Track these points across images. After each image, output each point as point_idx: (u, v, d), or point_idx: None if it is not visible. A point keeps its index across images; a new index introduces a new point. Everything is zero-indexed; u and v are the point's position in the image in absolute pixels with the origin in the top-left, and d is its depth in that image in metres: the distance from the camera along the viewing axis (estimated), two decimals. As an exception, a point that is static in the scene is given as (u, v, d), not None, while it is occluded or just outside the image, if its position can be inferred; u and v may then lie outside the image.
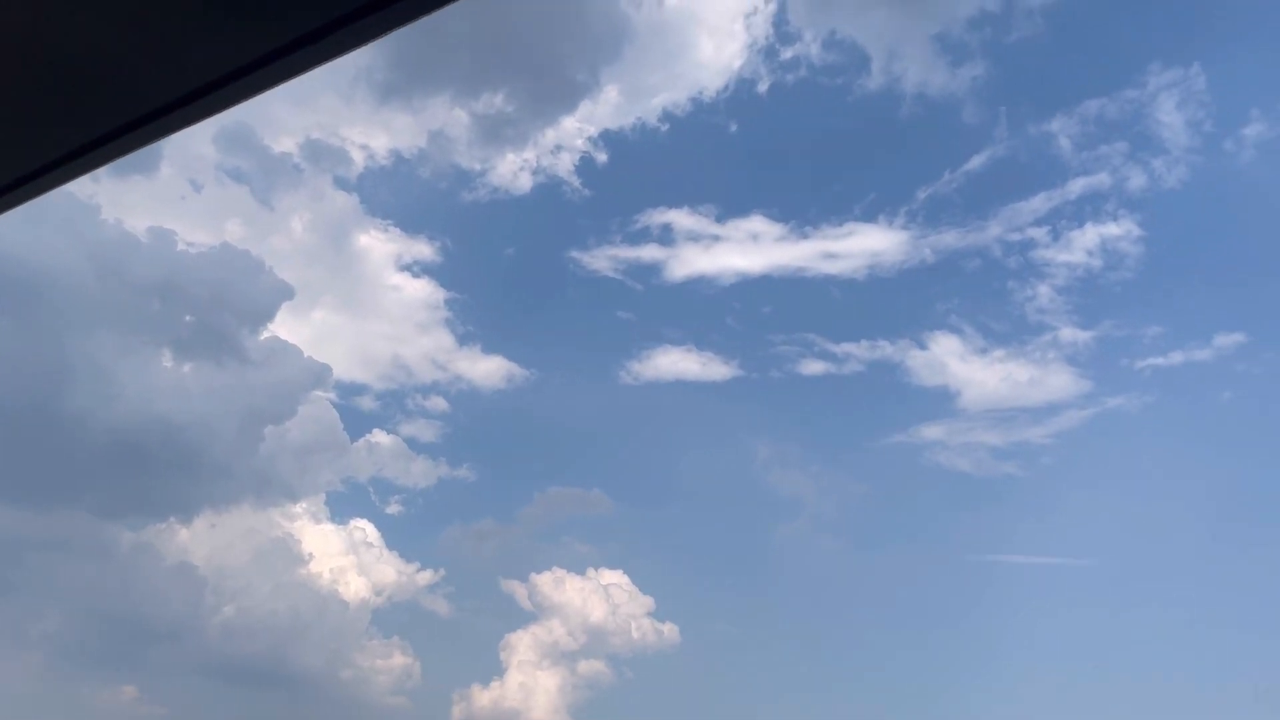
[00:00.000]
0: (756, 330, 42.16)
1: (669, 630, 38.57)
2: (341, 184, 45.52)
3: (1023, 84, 39.51)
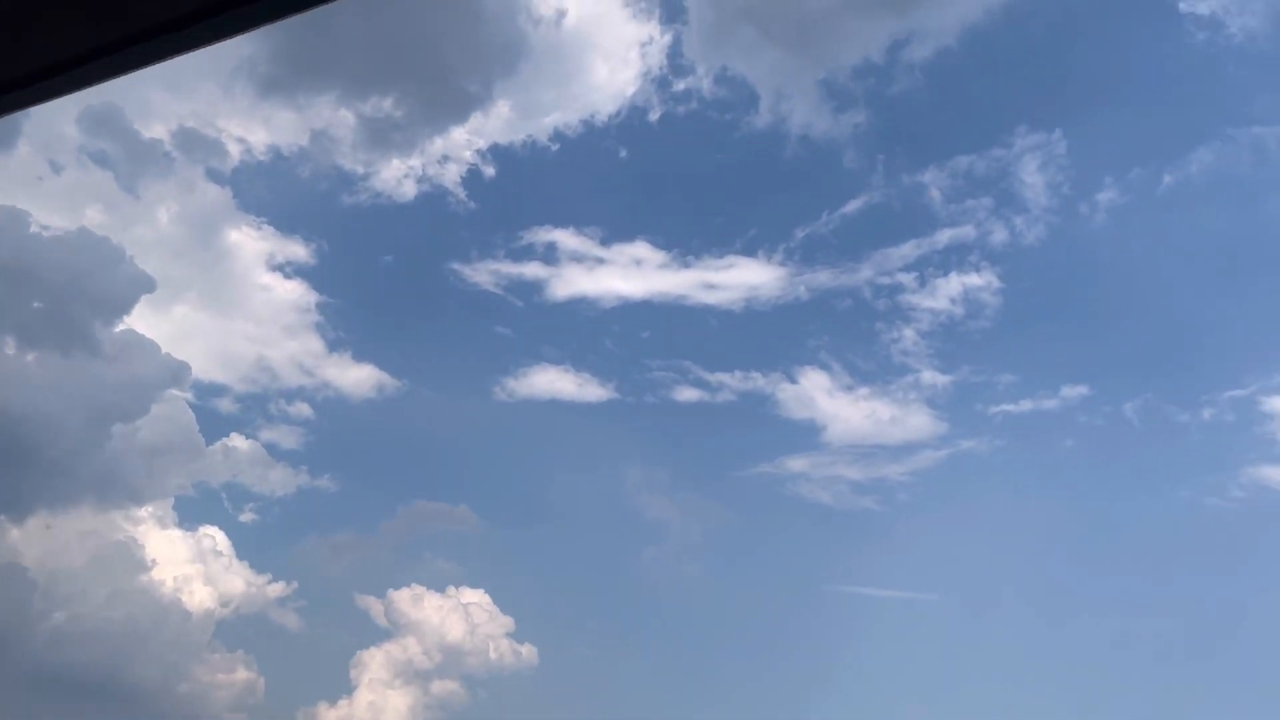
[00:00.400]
0: (634, 354, 42.47)
1: (528, 651, 38.21)
2: (214, 176, 43.84)
3: (900, 135, 41.25)
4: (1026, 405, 37.11)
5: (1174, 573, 33.68)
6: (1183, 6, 35.89)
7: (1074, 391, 36.38)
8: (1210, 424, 34.21)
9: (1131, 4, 37.53)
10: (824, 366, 40.74)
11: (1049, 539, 36.03)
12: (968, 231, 39.24)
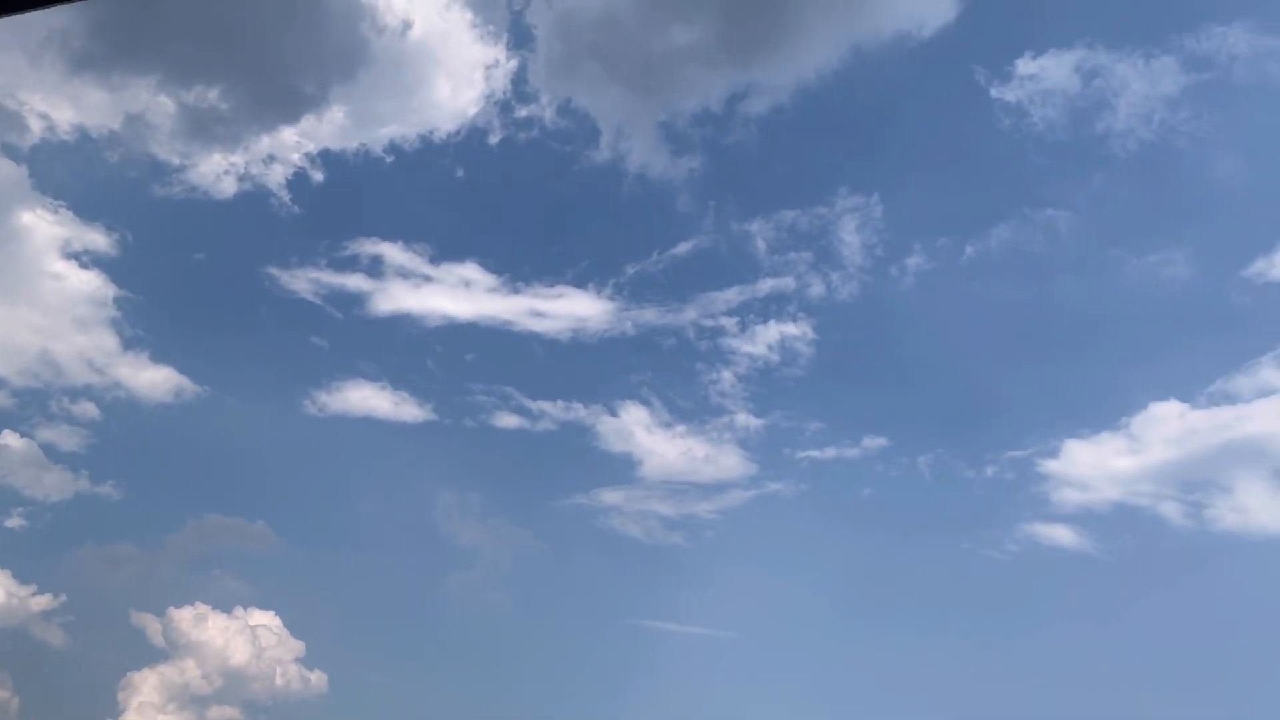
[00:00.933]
0: (456, 377, 41.83)
1: (317, 679, 36.62)
2: (11, 152, 40.48)
3: (732, 184, 42.71)
4: (831, 452, 38.89)
5: (955, 617, 35.85)
6: (993, 93, 38.96)
7: (874, 442, 38.42)
8: (992, 481, 36.81)
9: (950, 85, 40.44)
10: (645, 402, 41.39)
11: (844, 581, 37.69)
12: (788, 283, 41.00)
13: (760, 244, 41.70)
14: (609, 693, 36.59)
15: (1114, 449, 35.40)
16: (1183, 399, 34.89)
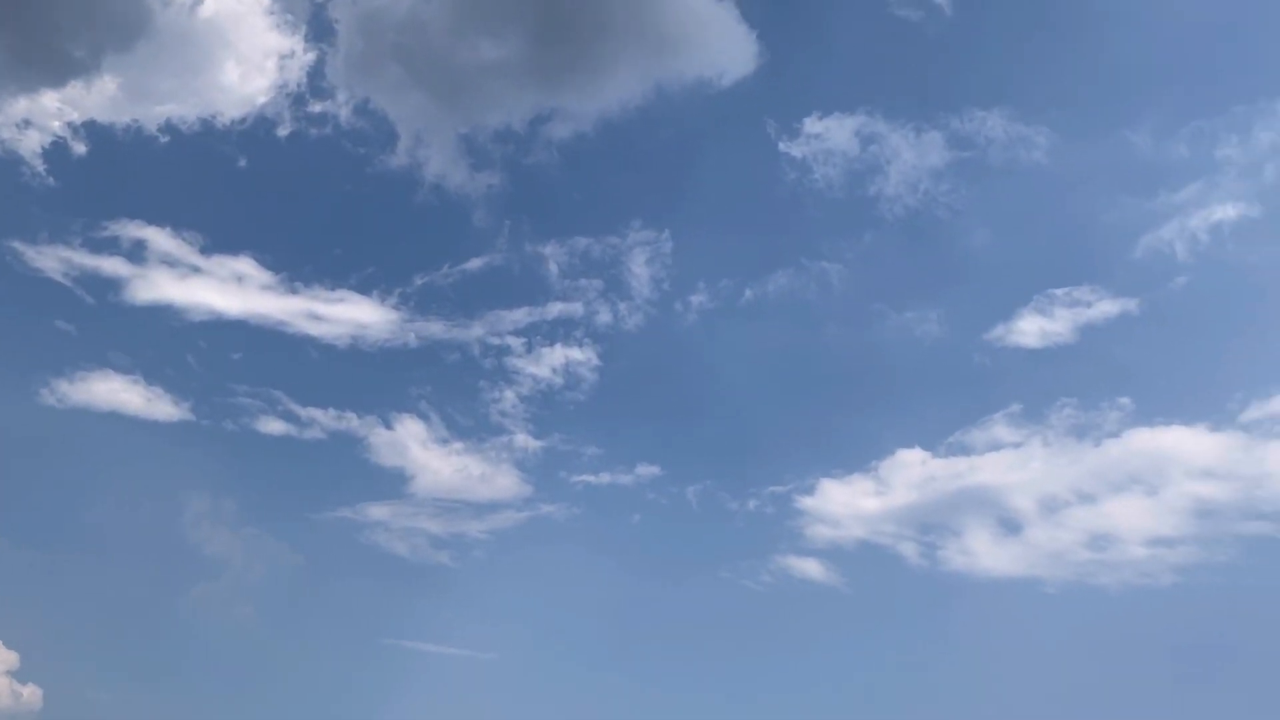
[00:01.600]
0: (220, 376, 39.54)
1: (30, 694, 33.41)
2: None
3: (530, 205, 42.87)
4: (605, 478, 39.51)
5: (710, 643, 37.11)
6: (782, 147, 41.21)
7: (647, 471, 39.38)
8: (754, 514, 38.54)
9: (743, 134, 42.39)
10: (423, 416, 40.56)
11: (608, 605, 38.24)
12: (577, 308, 41.50)
13: (553, 267, 42.04)
14: (358, 714, 35.32)
15: (863, 490, 37.97)
16: (926, 447, 37.93)
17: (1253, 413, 34.44)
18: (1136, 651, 32.83)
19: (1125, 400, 36.17)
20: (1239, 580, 33.12)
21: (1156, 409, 35.89)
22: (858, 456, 38.49)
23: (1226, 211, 36.71)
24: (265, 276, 39.45)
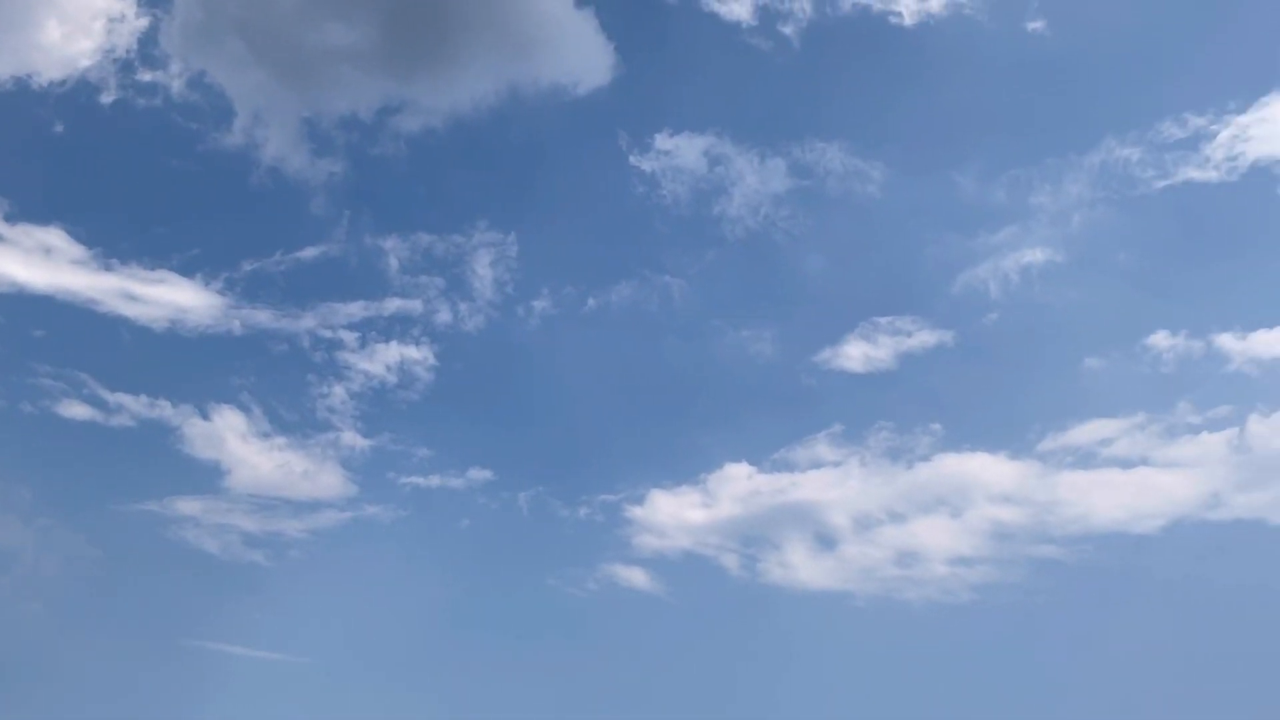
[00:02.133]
0: (18, 354, 36.72)
1: None
2: None
3: (372, 197, 41.75)
4: (435, 480, 38.80)
5: (532, 650, 36.99)
6: (632, 160, 41.73)
7: (480, 475, 38.93)
8: (584, 521, 38.73)
9: (595, 144, 42.70)
10: (243, 408, 38.78)
11: (431, 610, 37.53)
12: (416, 305, 40.64)
13: (393, 262, 41.11)
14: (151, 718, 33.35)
15: (691, 501, 38.82)
16: (752, 462, 39.15)
17: (1048, 443, 37.27)
18: (936, 663, 34.90)
19: (937, 426, 38.43)
20: (1028, 599, 35.74)
21: (964, 436, 38.30)
22: (688, 468, 39.34)
23: (1035, 255, 39.59)
24: (77, 250, 36.99)
